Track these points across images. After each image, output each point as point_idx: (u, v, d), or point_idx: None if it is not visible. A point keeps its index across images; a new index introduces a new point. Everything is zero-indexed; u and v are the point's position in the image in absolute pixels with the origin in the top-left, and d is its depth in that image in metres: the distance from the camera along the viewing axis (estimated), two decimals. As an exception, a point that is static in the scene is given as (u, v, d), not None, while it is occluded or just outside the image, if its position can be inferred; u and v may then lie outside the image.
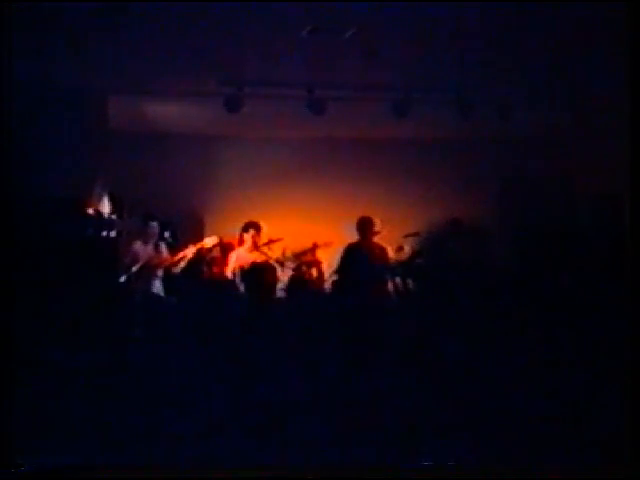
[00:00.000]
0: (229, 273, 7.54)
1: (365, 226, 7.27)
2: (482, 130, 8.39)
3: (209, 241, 7.36)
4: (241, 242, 7.70)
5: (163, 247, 7.29)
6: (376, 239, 7.40)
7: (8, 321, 4.33)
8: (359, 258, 7.16)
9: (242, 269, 7.27)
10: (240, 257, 7.59)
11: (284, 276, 7.90)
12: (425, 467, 3.89)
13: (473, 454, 4.07)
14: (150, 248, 7.16)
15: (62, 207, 6.58)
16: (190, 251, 7.11)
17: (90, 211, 6.95)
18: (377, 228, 7.28)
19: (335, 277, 7.60)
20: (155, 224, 7.18)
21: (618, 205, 6.93)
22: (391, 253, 7.34)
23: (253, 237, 7.78)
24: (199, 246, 7.24)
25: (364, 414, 4.65)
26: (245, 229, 7.81)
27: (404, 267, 7.30)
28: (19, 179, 5.49)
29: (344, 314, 6.68)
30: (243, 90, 7.36)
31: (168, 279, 7.12)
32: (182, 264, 7.10)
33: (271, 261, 7.51)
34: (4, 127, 4.84)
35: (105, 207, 7.37)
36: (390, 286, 7.24)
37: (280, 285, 7.88)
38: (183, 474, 3.85)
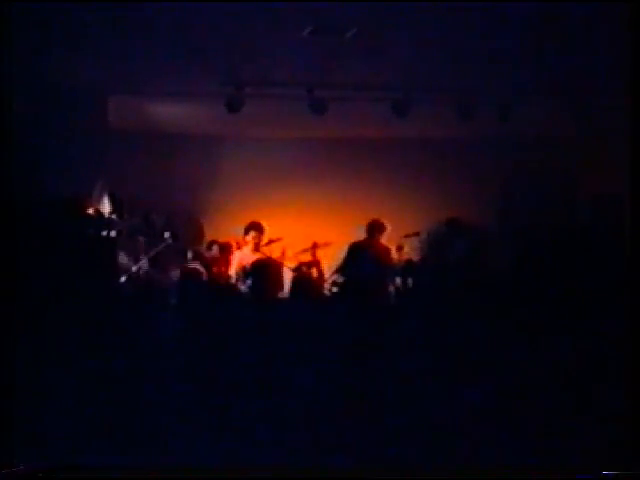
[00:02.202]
0: (233, 273, 7.56)
1: (375, 229, 7.29)
2: (482, 130, 8.39)
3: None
4: (245, 242, 7.73)
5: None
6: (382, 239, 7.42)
7: (8, 321, 4.33)
8: (364, 257, 7.18)
9: (245, 268, 7.29)
10: (245, 257, 7.61)
11: (284, 276, 7.91)
12: (425, 467, 3.89)
13: (472, 454, 4.08)
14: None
15: (62, 207, 6.57)
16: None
17: (90, 211, 6.95)
18: (388, 231, 7.32)
19: (336, 276, 7.60)
20: (168, 234, 7.21)
21: (618, 205, 6.92)
22: (394, 253, 7.36)
23: (254, 238, 7.81)
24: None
25: (365, 414, 4.65)
26: (248, 230, 7.84)
27: (404, 266, 7.31)
28: (19, 179, 5.48)
29: (348, 313, 6.67)
30: (243, 90, 7.36)
31: (169, 280, 7.13)
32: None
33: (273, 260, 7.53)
34: (4, 127, 4.83)
35: (105, 207, 7.37)
36: (390, 285, 7.25)
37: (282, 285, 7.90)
38: (183, 474, 3.85)
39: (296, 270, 7.86)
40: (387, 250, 7.29)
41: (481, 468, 3.88)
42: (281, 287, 7.19)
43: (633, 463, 3.71)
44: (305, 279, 7.82)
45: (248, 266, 7.13)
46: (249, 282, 6.82)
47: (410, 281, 7.35)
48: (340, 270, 7.48)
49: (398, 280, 7.32)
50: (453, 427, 4.41)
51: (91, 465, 3.85)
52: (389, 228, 7.35)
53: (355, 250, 7.30)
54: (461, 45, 6.23)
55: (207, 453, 4.12)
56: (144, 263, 7.08)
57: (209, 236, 8.66)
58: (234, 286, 7.39)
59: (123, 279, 6.80)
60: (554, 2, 5.35)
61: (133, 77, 7.06)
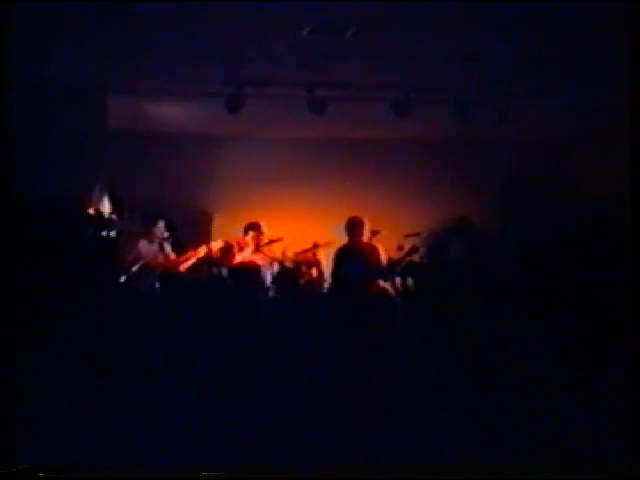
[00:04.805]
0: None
1: (354, 227, 7.28)
2: (482, 130, 8.39)
3: (215, 245, 7.41)
4: (244, 244, 7.74)
5: (167, 247, 7.33)
6: (373, 239, 7.40)
7: (8, 321, 4.33)
8: (350, 260, 7.17)
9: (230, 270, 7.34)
10: (246, 258, 7.61)
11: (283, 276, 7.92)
12: (425, 467, 3.89)
13: (473, 454, 4.07)
14: (155, 247, 7.21)
15: (62, 207, 6.57)
16: (196, 254, 7.16)
17: (90, 211, 6.95)
18: (367, 228, 7.29)
19: (329, 279, 7.61)
20: (161, 224, 7.23)
21: (618, 205, 6.93)
22: (383, 253, 7.35)
23: (254, 238, 7.81)
24: (206, 249, 7.28)
25: (363, 414, 4.65)
26: (247, 230, 7.85)
27: (402, 265, 7.30)
28: (19, 179, 5.49)
29: (338, 315, 6.68)
30: (243, 90, 7.36)
31: (169, 280, 7.13)
32: (186, 265, 7.14)
33: (264, 262, 7.55)
34: (4, 127, 4.84)
35: (105, 207, 7.37)
36: (385, 285, 7.23)
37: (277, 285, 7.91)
38: (183, 474, 3.85)
39: (296, 270, 7.87)
40: (374, 249, 7.27)
41: (481, 468, 3.88)
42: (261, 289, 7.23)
43: (633, 463, 3.71)
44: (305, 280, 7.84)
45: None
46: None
47: (409, 280, 7.35)
48: (332, 276, 7.49)
49: (398, 280, 7.32)
50: (452, 427, 4.41)
51: (91, 465, 3.85)
52: (368, 224, 7.34)
53: (340, 253, 7.31)
54: (461, 45, 6.23)
55: (207, 453, 4.12)
56: (144, 263, 7.08)
57: (209, 236, 8.65)
58: (234, 286, 7.39)
59: (123, 279, 6.81)
60: (554, 2, 5.36)
61: (133, 77, 7.06)
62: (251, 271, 7.30)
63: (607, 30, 5.54)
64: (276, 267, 7.92)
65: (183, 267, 7.21)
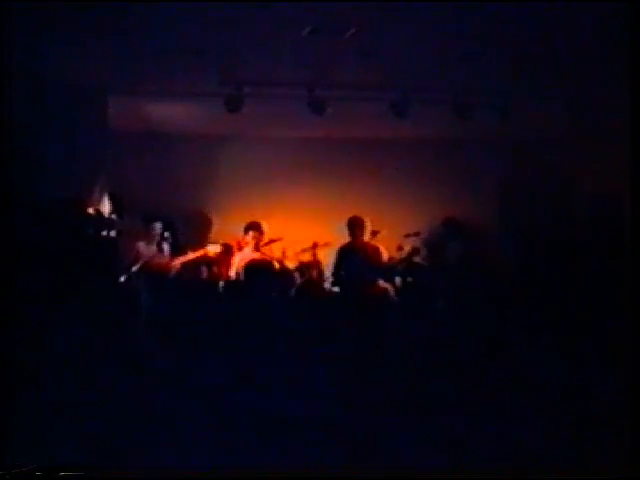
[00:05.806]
0: (233, 273, 7.56)
1: (355, 226, 7.30)
2: (482, 130, 8.39)
3: (212, 248, 7.39)
4: (244, 243, 7.74)
5: (166, 247, 7.33)
6: (373, 239, 7.41)
7: (8, 321, 4.33)
8: (351, 259, 7.18)
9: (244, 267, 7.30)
10: (245, 257, 7.61)
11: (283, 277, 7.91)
12: (424, 467, 3.89)
13: (472, 454, 4.07)
14: (153, 248, 7.21)
15: (62, 207, 6.57)
16: (191, 257, 7.16)
17: (90, 211, 6.95)
18: (369, 228, 7.31)
19: (330, 279, 7.63)
20: (158, 225, 7.22)
21: (618, 205, 6.93)
22: (385, 253, 7.34)
23: (254, 238, 7.82)
24: (201, 253, 7.27)
25: (363, 414, 4.65)
26: (247, 230, 7.85)
27: (402, 266, 7.31)
28: (19, 179, 5.49)
29: (339, 314, 6.68)
30: (243, 90, 7.37)
31: (169, 279, 7.13)
32: (179, 268, 7.15)
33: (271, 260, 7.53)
34: (4, 127, 4.84)
35: (105, 207, 7.37)
36: (385, 286, 7.24)
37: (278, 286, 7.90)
38: (183, 475, 3.85)
39: (296, 270, 7.87)
40: (375, 249, 7.29)
41: (480, 468, 3.88)
42: (274, 287, 7.17)
43: (633, 463, 3.71)
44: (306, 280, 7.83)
45: (241, 267, 7.15)
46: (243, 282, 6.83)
47: (409, 280, 7.35)
48: (333, 275, 7.50)
49: (397, 280, 7.32)
50: (452, 427, 4.41)
51: (91, 465, 3.85)
52: (369, 222, 7.36)
53: (342, 253, 7.32)
54: (460, 45, 6.24)
55: (207, 453, 4.12)
56: (144, 263, 7.08)
57: (209, 236, 8.66)
58: (234, 286, 7.39)
59: (123, 279, 6.81)
60: (553, 2, 5.36)
61: (133, 77, 7.06)
62: (263, 268, 7.23)
63: (607, 30, 5.55)
64: (276, 267, 7.92)
65: (183, 267, 7.21)
